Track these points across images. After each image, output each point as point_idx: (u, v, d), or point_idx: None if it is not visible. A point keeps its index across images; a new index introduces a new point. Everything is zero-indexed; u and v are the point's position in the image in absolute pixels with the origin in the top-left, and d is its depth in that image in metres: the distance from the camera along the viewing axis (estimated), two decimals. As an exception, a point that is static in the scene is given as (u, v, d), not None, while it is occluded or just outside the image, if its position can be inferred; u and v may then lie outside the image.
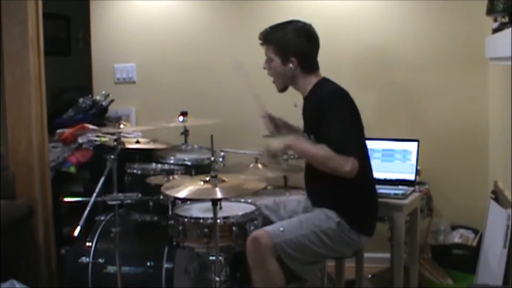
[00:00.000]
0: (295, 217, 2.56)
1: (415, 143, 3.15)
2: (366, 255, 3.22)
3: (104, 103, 3.86)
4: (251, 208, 2.61)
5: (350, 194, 2.47)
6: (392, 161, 3.17)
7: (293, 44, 2.56)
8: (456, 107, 3.61)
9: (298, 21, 2.62)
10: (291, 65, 2.56)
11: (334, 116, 2.42)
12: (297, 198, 2.79)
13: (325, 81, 2.60)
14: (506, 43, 2.17)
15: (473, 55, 3.46)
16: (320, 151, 2.40)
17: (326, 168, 2.40)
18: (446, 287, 3.21)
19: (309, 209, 2.62)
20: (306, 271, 2.46)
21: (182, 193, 2.33)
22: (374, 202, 2.61)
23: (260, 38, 2.64)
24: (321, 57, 2.65)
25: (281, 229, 2.40)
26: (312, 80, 2.59)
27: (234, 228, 2.47)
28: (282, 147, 2.49)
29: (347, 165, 2.34)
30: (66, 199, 2.77)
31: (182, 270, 2.81)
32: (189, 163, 3.15)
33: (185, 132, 3.40)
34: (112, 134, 2.87)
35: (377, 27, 3.68)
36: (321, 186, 2.58)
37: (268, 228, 2.43)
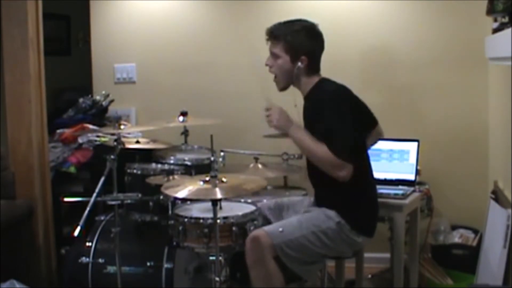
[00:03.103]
0: (295, 217, 2.56)
1: (415, 143, 3.15)
2: (366, 255, 3.21)
3: (104, 103, 3.86)
4: (251, 208, 2.61)
5: (351, 194, 2.47)
6: (392, 161, 3.17)
7: (305, 43, 2.53)
8: (456, 107, 3.61)
9: (306, 20, 2.59)
10: (300, 64, 2.53)
11: (328, 120, 2.41)
12: (300, 199, 2.79)
13: (324, 81, 2.59)
14: (506, 43, 2.17)
15: (473, 55, 3.47)
16: (316, 146, 2.40)
17: (319, 166, 2.41)
18: (446, 287, 3.21)
19: (312, 208, 2.62)
20: (306, 271, 2.46)
21: (182, 193, 2.32)
22: (374, 203, 2.61)
23: (267, 34, 2.59)
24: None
25: (280, 229, 2.40)
26: (314, 80, 2.58)
27: (234, 228, 2.47)
28: (279, 129, 2.52)
29: (340, 171, 2.36)
30: (66, 199, 2.77)
31: (182, 270, 2.81)
32: (189, 163, 3.15)
33: (185, 132, 3.40)
34: (112, 134, 2.87)
35: (376, 28, 3.68)
36: (322, 186, 2.59)
37: (268, 228, 2.43)
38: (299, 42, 2.53)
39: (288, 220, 2.53)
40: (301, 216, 2.54)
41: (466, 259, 3.16)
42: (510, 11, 2.33)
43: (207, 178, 2.36)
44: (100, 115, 3.83)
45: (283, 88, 2.63)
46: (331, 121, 2.40)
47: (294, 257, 2.39)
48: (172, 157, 3.21)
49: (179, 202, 2.70)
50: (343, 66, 3.58)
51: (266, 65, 2.61)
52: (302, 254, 2.41)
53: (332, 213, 2.48)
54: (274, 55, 2.58)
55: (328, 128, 2.39)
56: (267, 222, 2.62)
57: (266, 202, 2.74)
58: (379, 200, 2.65)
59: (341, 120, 2.40)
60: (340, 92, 2.51)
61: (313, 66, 2.58)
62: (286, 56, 2.54)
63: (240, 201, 2.73)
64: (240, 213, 2.52)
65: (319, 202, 2.61)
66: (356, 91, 2.56)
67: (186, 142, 3.42)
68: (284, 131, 2.52)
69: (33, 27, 3.11)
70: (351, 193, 2.46)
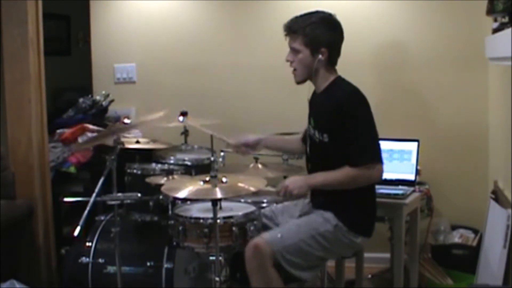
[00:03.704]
0: (292, 221, 2.54)
1: (415, 143, 3.15)
2: (366, 255, 3.22)
3: (104, 103, 3.86)
4: (251, 208, 2.61)
5: (348, 194, 2.45)
6: (392, 161, 3.17)
7: (324, 35, 2.50)
8: (456, 107, 3.61)
9: (323, 11, 2.57)
10: (320, 56, 2.50)
11: (358, 124, 2.41)
12: (294, 202, 2.77)
13: (342, 80, 2.57)
14: (506, 43, 2.17)
15: (473, 55, 3.47)
16: (340, 174, 2.40)
17: (355, 186, 2.41)
18: (446, 287, 3.21)
19: (308, 210, 2.61)
20: (305, 275, 2.45)
21: (182, 193, 2.32)
22: (372, 202, 2.59)
23: (285, 30, 2.55)
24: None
25: (279, 235, 2.39)
26: (331, 76, 2.56)
27: (234, 228, 2.46)
28: (302, 191, 2.45)
29: (374, 174, 2.39)
30: (66, 199, 2.76)
31: (182, 270, 2.81)
32: (189, 163, 3.15)
33: (185, 132, 3.39)
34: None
35: (374, 28, 3.68)
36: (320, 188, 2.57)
37: (266, 235, 2.41)
38: (318, 34, 2.49)
39: (286, 226, 2.51)
40: (299, 220, 2.53)
41: (466, 259, 3.16)
42: (510, 11, 2.33)
43: (207, 178, 2.36)
44: (100, 115, 3.83)
45: (301, 82, 2.60)
46: (359, 127, 2.41)
47: (294, 262, 2.38)
48: (172, 157, 3.21)
49: (179, 202, 2.70)
50: (342, 66, 3.57)
51: (287, 60, 2.58)
52: (302, 259, 2.40)
53: (329, 215, 2.47)
54: (294, 50, 2.54)
55: (352, 135, 2.39)
56: (266, 228, 2.59)
57: (262, 210, 2.72)
58: (379, 200, 2.64)
59: (365, 125, 2.42)
60: (361, 94, 2.49)
61: (333, 59, 2.56)
62: (306, 50, 2.51)
63: (240, 201, 2.72)
64: (240, 213, 2.51)
65: (316, 202, 2.59)
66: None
67: (186, 142, 3.42)
68: (308, 190, 2.49)
69: (33, 27, 3.11)
70: (348, 193, 2.45)
